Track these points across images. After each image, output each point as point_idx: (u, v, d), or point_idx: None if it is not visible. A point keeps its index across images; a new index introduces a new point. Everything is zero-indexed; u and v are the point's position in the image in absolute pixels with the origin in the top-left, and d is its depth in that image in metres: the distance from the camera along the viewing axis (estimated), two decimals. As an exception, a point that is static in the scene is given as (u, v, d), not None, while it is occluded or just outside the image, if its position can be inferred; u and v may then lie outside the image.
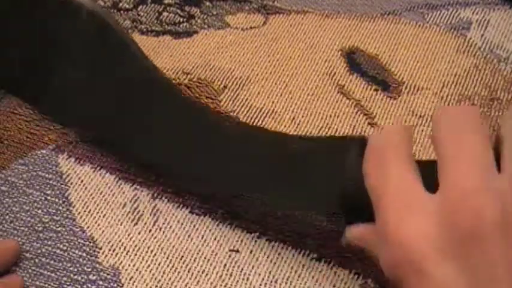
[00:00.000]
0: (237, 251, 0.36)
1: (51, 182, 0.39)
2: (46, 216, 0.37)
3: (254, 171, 0.35)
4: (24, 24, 0.41)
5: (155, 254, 0.36)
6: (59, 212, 0.37)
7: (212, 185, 0.37)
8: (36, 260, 0.36)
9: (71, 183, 0.39)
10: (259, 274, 0.35)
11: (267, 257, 0.35)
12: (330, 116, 0.41)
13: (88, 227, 0.37)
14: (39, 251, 0.36)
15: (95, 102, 0.40)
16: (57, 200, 0.38)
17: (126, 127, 0.39)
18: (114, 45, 0.39)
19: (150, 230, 0.37)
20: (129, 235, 0.37)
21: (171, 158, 0.37)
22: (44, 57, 0.41)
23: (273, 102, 0.42)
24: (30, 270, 0.36)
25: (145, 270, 0.35)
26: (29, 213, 0.37)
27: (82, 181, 0.39)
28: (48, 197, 0.38)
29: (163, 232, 0.37)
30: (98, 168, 0.39)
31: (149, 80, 0.39)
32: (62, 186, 0.38)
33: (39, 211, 0.38)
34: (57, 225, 0.37)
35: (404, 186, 0.28)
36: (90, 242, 0.36)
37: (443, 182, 0.27)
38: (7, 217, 0.37)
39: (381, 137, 0.30)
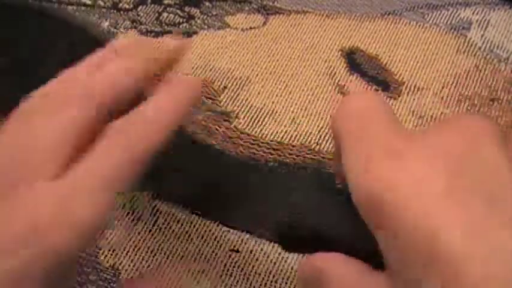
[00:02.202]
0: (237, 251, 0.36)
1: (51, 182, 0.39)
2: (46, 217, 0.37)
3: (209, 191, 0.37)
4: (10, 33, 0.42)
5: (155, 254, 0.36)
6: (58, 212, 0.37)
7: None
8: (36, 260, 0.36)
9: (71, 184, 0.39)
10: (259, 274, 0.35)
11: (267, 257, 0.35)
12: (330, 116, 0.41)
13: (88, 227, 0.37)
14: (39, 251, 0.36)
15: None
16: (57, 200, 0.38)
17: None
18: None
19: (150, 230, 0.37)
20: (129, 235, 0.36)
21: None
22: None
23: (273, 102, 0.42)
24: (30, 271, 0.35)
25: (145, 270, 0.35)
26: (28, 213, 0.37)
27: (82, 181, 0.39)
28: (48, 197, 0.38)
29: (163, 232, 0.36)
30: (98, 168, 0.39)
31: None
32: (62, 186, 0.38)
33: (39, 211, 0.37)
34: (57, 226, 0.37)
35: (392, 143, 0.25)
36: (90, 242, 0.36)
37: None
38: (7, 217, 0.37)
39: (359, 99, 0.27)
